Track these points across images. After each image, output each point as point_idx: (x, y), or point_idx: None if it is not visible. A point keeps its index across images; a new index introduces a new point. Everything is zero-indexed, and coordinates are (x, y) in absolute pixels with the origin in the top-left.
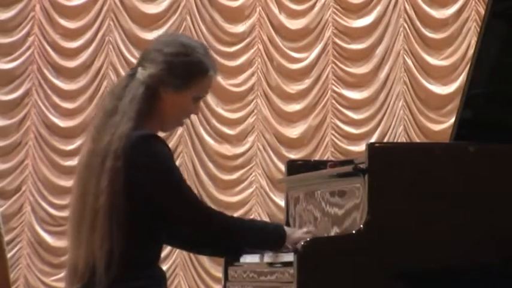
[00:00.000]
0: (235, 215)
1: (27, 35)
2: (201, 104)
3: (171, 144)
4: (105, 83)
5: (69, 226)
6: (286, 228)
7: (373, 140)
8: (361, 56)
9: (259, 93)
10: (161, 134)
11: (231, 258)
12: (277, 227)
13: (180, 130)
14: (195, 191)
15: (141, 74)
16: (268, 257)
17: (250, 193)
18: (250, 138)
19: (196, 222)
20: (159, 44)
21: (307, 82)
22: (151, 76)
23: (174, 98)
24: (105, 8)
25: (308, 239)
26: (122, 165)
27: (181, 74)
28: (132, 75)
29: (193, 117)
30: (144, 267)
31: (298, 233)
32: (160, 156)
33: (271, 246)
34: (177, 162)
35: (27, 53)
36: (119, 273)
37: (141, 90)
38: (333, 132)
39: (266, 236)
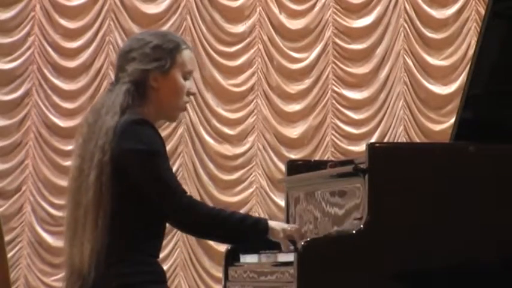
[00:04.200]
0: None
1: (27, 35)
2: (201, 103)
3: (171, 144)
4: (105, 83)
5: (65, 227)
6: (271, 222)
7: (373, 140)
8: (361, 56)
9: (259, 93)
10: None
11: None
12: (260, 218)
13: (180, 130)
14: (195, 191)
15: (122, 77)
16: (268, 257)
17: (251, 193)
18: (251, 138)
19: (173, 211)
20: (126, 48)
21: (307, 82)
22: (133, 71)
23: (165, 82)
24: (105, 8)
25: (308, 239)
26: (109, 159)
27: (158, 56)
28: (113, 86)
29: (194, 117)
30: (140, 261)
31: (281, 226)
32: (147, 140)
33: (252, 235)
34: (178, 162)
35: (27, 53)
36: (109, 266)
37: (124, 87)
38: (333, 132)
39: (246, 227)
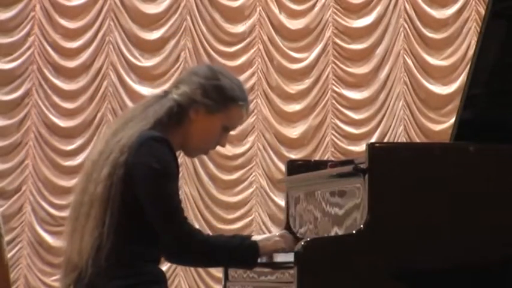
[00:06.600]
0: (235, 215)
1: (27, 35)
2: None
3: None
4: (105, 83)
5: (68, 215)
6: (259, 239)
7: (373, 140)
8: (361, 56)
9: (259, 93)
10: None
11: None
12: (251, 244)
13: None
14: (195, 191)
15: (175, 92)
16: (268, 257)
17: (251, 193)
18: (251, 138)
19: (173, 243)
20: (195, 69)
21: (307, 82)
22: (184, 94)
23: (204, 120)
24: (105, 8)
25: (308, 239)
26: (124, 161)
27: (213, 96)
28: (165, 94)
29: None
30: (140, 264)
31: (271, 240)
32: (161, 159)
33: (247, 264)
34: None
35: (27, 53)
36: (109, 266)
37: (169, 104)
38: (333, 132)
39: (240, 256)
